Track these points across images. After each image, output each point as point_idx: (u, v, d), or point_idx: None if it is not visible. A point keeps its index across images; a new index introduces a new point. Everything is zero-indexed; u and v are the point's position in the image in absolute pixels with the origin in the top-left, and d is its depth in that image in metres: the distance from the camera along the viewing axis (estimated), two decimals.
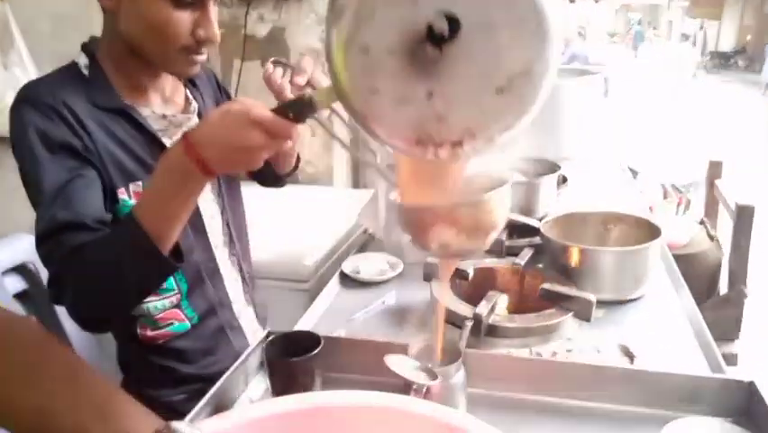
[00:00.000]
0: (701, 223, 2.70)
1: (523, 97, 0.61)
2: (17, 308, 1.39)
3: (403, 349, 0.89)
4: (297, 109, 0.78)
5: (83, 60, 1.06)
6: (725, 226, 2.70)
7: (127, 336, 1.13)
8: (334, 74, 0.65)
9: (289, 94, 1.03)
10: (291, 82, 1.03)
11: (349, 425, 0.66)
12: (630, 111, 9.94)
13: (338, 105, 0.73)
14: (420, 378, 0.82)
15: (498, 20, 0.60)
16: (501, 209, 0.81)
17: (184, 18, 0.98)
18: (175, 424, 0.57)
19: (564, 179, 2.05)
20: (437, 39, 0.60)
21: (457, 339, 1.03)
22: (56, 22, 1.93)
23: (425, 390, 0.81)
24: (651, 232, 1.34)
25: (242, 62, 2.73)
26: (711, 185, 2.85)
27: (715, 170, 2.90)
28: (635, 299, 1.28)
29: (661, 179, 4.43)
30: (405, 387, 0.81)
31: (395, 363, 0.83)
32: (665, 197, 4.36)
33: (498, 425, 0.58)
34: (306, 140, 2.64)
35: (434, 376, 0.83)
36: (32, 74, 1.72)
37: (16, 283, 1.57)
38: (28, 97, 0.99)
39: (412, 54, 0.61)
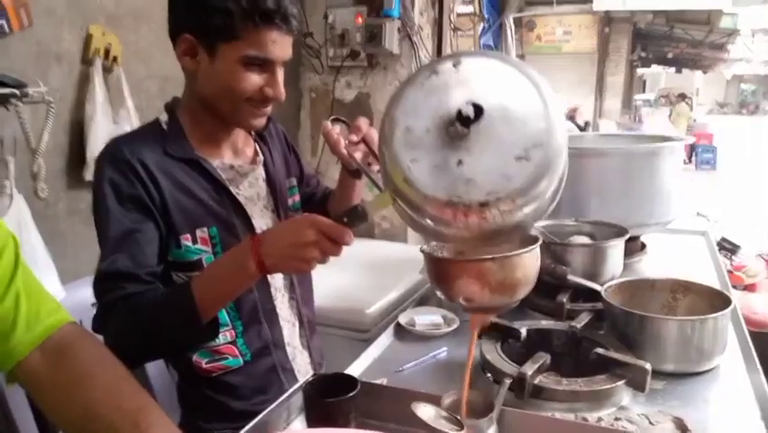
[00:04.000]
0: None
1: (538, 165, 0.74)
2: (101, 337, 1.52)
3: (437, 400, 0.89)
4: (350, 216, 0.91)
5: (164, 117, 1.19)
6: None
7: (186, 367, 1.20)
8: (384, 153, 0.81)
9: (343, 149, 1.13)
10: (348, 139, 1.12)
11: None
12: (740, 183, 9.41)
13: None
14: (446, 428, 0.82)
15: (512, 106, 0.77)
16: (529, 268, 0.83)
17: (254, 78, 1.09)
18: None
19: (642, 246, 1.99)
20: (465, 120, 0.76)
21: (495, 395, 1.02)
22: (162, 82, 2.15)
23: None
24: (722, 303, 1.27)
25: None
26: None
27: None
28: (699, 373, 1.20)
29: (767, 256, 4.14)
30: None
31: (422, 411, 0.84)
32: None
33: None
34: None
35: (461, 428, 0.82)
36: None
37: None
38: (109, 153, 1.12)
39: (445, 131, 0.77)
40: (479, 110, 0.76)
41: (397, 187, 0.80)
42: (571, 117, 9.57)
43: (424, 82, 0.81)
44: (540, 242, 0.86)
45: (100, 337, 1.45)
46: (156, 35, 2.11)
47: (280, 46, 1.09)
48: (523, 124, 0.76)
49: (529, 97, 0.77)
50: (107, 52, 1.91)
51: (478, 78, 0.80)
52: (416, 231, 0.90)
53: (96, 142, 1.80)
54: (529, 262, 0.84)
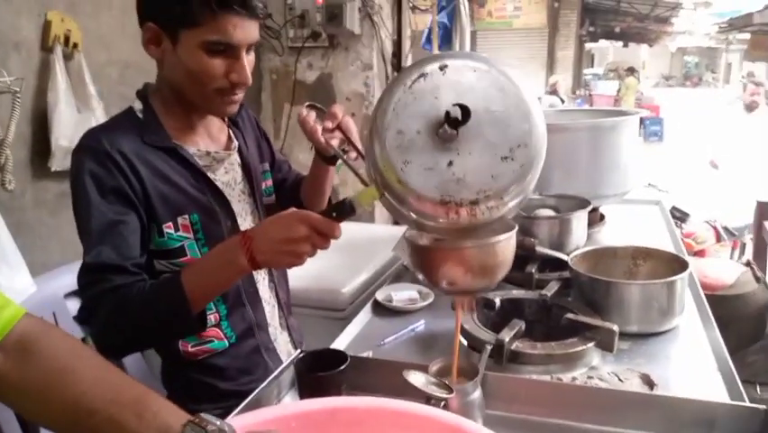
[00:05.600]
0: (747, 264, 2.65)
1: (523, 163, 0.80)
2: (76, 329, 1.51)
3: (424, 369, 0.94)
4: (339, 211, 0.94)
5: (137, 105, 1.18)
6: None
7: (170, 351, 1.23)
8: (376, 153, 0.84)
9: (320, 137, 1.16)
10: (323, 126, 1.15)
11: (365, 424, 0.72)
12: (686, 154, 9.75)
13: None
14: (437, 392, 0.87)
15: (497, 107, 0.82)
16: (507, 252, 0.89)
17: (217, 64, 1.09)
18: (204, 415, 0.65)
19: (602, 217, 2.08)
20: (453, 122, 0.81)
21: (477, 361, 1.08)
22: (122, 68, 2.12)
23: (442, 404, 0.86)
24: (680, 267, 1.35)
25: (292, 106, 2.89)
26: (759, 226, 2.80)
27: (764, 210, 2.84)
28: (661, 333, 1.28)
29: (714, 222, 4.33)
30: (424, 402, 0.86)
31: (414, 377, 0.89)
32: (718, 240, 4.26)
33: None
34: (350, 180, 2.75)
35: (450, 392, 0.88)
36: (101, 117, 1.88)
37: (76, 305, 1.70)
38: (87, 145, 1.11)
39: (435, 134, 0.82)
40: (466, 112, 0.81)
41: (389, 186, 0.84)
42: (554, 92, 10.00)
43: (413, 85, 0.85)
44: (516, 228, 0.91)
45: (71, 327, 1.45)
46: (116, 21, 2.08)
47: (242, 30, 1.07)
48: (507, 126, 0.81)
49: (512, 99, 0.83)
50: (67, 39, 1.87)
51: (464, 81, 0.84)
52: (402, 222, 0.94)
53: (61, 130, 1.77)
54: (507, 247, 0.89)
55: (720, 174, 4.56)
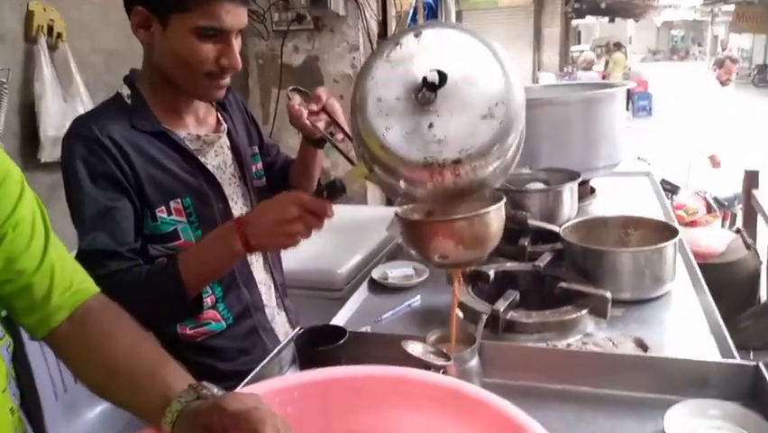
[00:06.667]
0: (738, 232, 2.68)
1: (503, 120, 0.81)
2: None
3: (422, 340, 0.96)
4: (330, 190, 0.97)
5: (125, 91, 1.18)
6: (763, 236, 2.67)
7: (168, 334, 1.23)
8: (359, 123, 0.86)
9: (306, 120, 1.17)
10: (308, 109, 1.16)
11: (367, 392, 0.73)
12: (674, 127, 9.79)
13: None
14: (435, 361, 0.89)
15: (472, 69, 0.84)
16: (497, 224, 0.90)
17: (208, 49, 1.09)
18: (207, 383, 0.67)
19: (592, 191, 2.10)
20: (431, 86, 0.82)
21: (473, 331, 1.10)
22: (107, 57, 2.11)
23: (440, 372, 0.88)
24: (670, 234, 1.37)
25: (279, 90, 2.88)
26: (748, 195, 2.83)
27: (752, 179, 2.87)
28: (653, 299, 1.30)
29: (704, 194, 4.37)
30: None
31: (412, 347, 0.90)
32: (708, 211, 4.30)
33: None
34: (341, 163, 2.75)
35: (448, 360, 0.89)
36: (88, 105, 1.88)
37: None
38: (77, 132, 1.11)
39: (414, 98, 0.83)
40: (443, 76, 0.82)
41: (373, 154, 0.85)
42: (588, 69, 10.51)
43: (389, 54, 0.86)
44: (505, 200, 0.92)
45: None
46: (98, 9, 2.05)
47: (234, 15, 1.08)
48: (484, 86, 0.83)
49: (487, 61, 0.84)
50: (50, 29, 1.86)
51: (438, 47, 0.86)
52: (391, 196, 0.96)
53: (49, 121, 1.76)
54: (497, 218, 0.91)
55: (710, 147, 4.57)
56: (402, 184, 0.86)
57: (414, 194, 0.87)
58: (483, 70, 0.84)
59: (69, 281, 0.83)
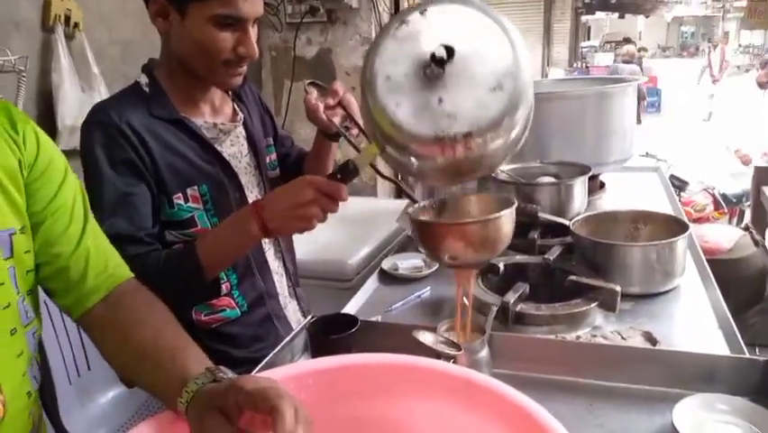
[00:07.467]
0: (746, 228, 2.68)
1: (511, 93, 0.82)
2: None
3: (433, 330, 0.97)
4: (343, 172, 0.97)
5: (143, 80, 1.20)
6: None
7: (183, 321, 1.25)
8: (369, 102, 0.86)
9: (322, 115, 1.18)
10: (324, 103, 1.17)
11: (379, 379, 0.74)
12: (684, 123, 9.75)
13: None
14: (446, 350, 0.90)
15: (480, 44, 0.84)
16: (507, 227, 0.91)
17: (226, 37, 1.10)
18: (224, 368, 0.69)
19: (602, 185, 2.11)
20: (439, 61, 0.82)
21: (483, 322, 1.11)
22: (124, 47, 2.12)
23: (451, 361, 0.89)
24: (680, 229, 1.37)
25: (292, 82, 2.89)
26: (757, 191, 2.82)
27: (762, 175, 2.86)
28: (662, 293, 1.31)
29: (712, 190, 4.36)
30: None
31: (423, 336, 0.92)
32: (716, 208, 4.29)
33: None
34: (352, 155, 2.76)
35: (459, 349, 0.91)
36: (105, 95, 1.89)
37: None
38: (96, 119, 1.13)
39: (422, 74, 0.84)
40: (450, 51, 0.83)
41: (384, 132, 0.86)
42: (629, 61, 10.29)
43: (396, 32, 0.87)
44: (515, 205, 0.94)
45: None
46: (116, 0, 2.06)
47: (250, 3, 1.10)
48: (493, 59, 0.83)
49: (495, 35, 0.84)
50: (68, 19, 1.87)
51: (445, 22, 0.86)
52: (403, 174, 0.96)
53: (66, 110, 1.78)
54: (507, 223, 0.92)
55: (719, 143, 4.55)
56: (414, 161, 0.87)
57: (425, 171, 0.88)
58: (490, 43, 0.84)
59: (104, 265, 0.87)
